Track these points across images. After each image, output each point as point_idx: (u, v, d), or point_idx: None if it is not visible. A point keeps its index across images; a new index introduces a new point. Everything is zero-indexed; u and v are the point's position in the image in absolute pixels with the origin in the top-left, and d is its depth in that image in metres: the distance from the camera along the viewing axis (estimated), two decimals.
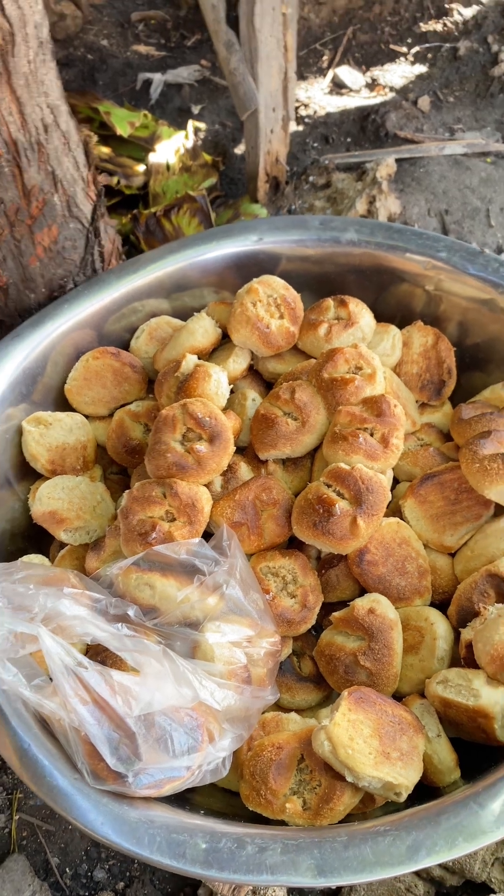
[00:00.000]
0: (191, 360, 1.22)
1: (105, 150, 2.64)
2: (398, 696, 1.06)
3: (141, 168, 2.54)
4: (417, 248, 1.35)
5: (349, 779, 0.90)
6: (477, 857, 1.43)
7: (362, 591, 1.14)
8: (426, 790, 0.97)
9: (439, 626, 1.07)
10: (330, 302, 1.32)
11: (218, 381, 1.19)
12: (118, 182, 2.43)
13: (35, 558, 1.17)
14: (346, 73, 3.03)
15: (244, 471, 1.20)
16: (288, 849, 0.80)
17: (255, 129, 2.26)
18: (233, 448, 1.15)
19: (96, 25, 3.26)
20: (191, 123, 2.69)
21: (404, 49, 3.10)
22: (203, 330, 1.30)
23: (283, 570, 1.13)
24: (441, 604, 1.15)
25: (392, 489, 1.22)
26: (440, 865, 1.45)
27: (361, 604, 1.07)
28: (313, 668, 1.14)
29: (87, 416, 1.36)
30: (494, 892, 1.44)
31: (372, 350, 1.29)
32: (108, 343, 1.40)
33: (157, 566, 1.03)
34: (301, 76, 3.01)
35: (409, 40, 3.12)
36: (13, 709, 0.91)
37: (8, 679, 0.84)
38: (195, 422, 1.12)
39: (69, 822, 0.84)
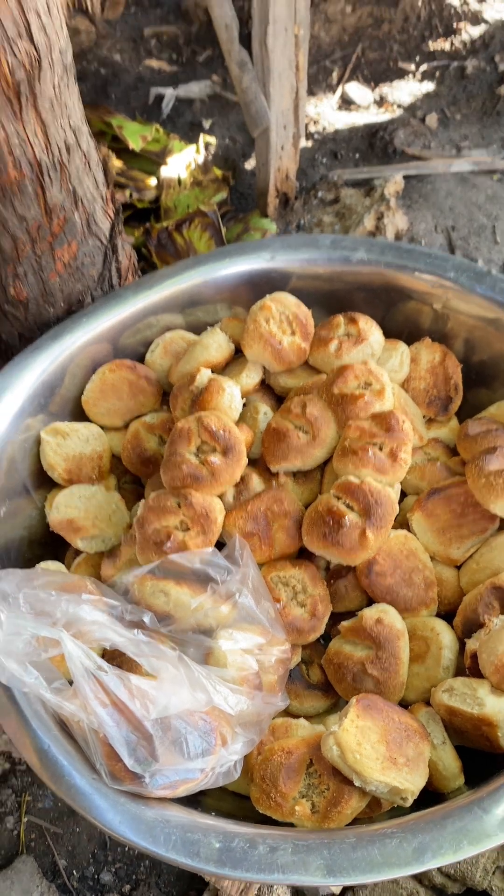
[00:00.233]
0: (205, 374, 1.26)
1: (117, 163, 2.68)
2: (404, 704, 1.09)
3: (153, 182, 2.59)
4: (426, 268, 1.38)
5: (357, 783, 0.93)
6: (478, 866, 1.46)
7: (370, 602, 1.18)
8: (431, 796, 1.00)
9: (445, 636, 1.10)
10: (340, 319, 1.36)
11: (231, 394, 1.23)
12: (130, 195, 2.47)
13: (52, 565, 1.21)
14: (355, 90, 3.08)
15: (256, 482, 1.24)
16: (298, 849, 0.83)
17: (266, 146, 2.30)
18: (245, 460, 1.19)
19: (110, 40, 3.32)
20: (202, 138, 2.73)
21: (412, 67, 3.15)
22: (217, 345, 1.34)
23: (294, 580, 1.16)
24: (447, 615, 1.18)
25: (400, 502, 1.25)
26: (442, 873, 1.48)
27: (369, 614, 1.10)
28: (322, 676, 1.17)
29: (102, 427, 1.40)
30: None
31: (381, 366, 1.33)
32: (124, 356, 1.44)
33: (171, 574, 1.06)
34: (311, 92, 3.06)
35: (418, 58, 3.17)
36: (33, 711, 0.94)
37: (30, 682, 0.88)
38: (210, 434, 1.16)
39: (88, 820, 0.87)
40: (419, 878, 1.49)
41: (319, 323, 1.39)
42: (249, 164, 2.82)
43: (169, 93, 3.09)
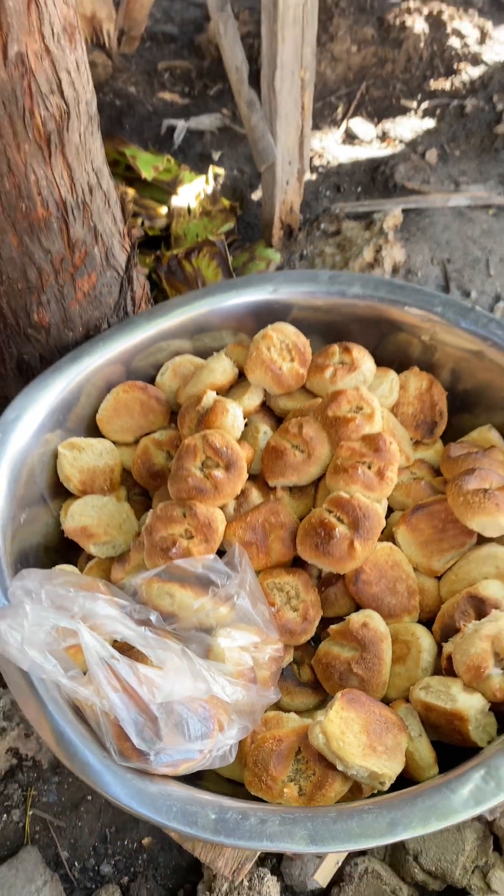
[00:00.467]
0: (210, 396, 1.37)
1: (130, 191, 2.81)
2: (386, 702, 1.19)
3: (163, 210, 2.71)
4: (415, 303, 1.50)
5: (340, 768, 1.03)
6: (458, 864, 1.55)
7: (357, 608, 1.28)
8: (407, 784, 1.10)
9: (424, 640, 1.21)
10: (336, 348, 1.47)
11: (234, 415, 1.34)
12: (142, 223, 2.59)
13: (68, 568, 1.32)
14: (359, 126, 3.22)
15: (255, 496, 1.35)
16: (285, 821, 0.93)
17: (272, 181, 2.43)
18: (246, 475, 1.30)
19: (125, 73, 3.47)
20: (211, 169, 2.86)
21: (414, 104, 3.29)
22: (222, 369, 1.45)
23: (288, 587, 1.27)
24: (427, 621, 1.29)
25: (387, 517, 1.36)
26: (424, 870, 1.56)
27: (356, 618, 1.21)
28: (311, 676, 1.28)
29: (115, 443, 1.51)
30: None
31: (372, 392, 1.44)
32: (137, 378, 1.55)
33: (176, 578, 1.17)
34: (316, 127, 3.20)
35: (419, 96, 3.32)
36: (51, 696, 1.04)
37: (49, 668, 0.98)
38: (214, 451, 1.27)
39: (99, 793, 0.97)
40: (402, 876, 1.57)
41: (317, 351, 1.51)
42: (256, 195, 2.95)
43: (181, 124, 3.22)
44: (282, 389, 1.44)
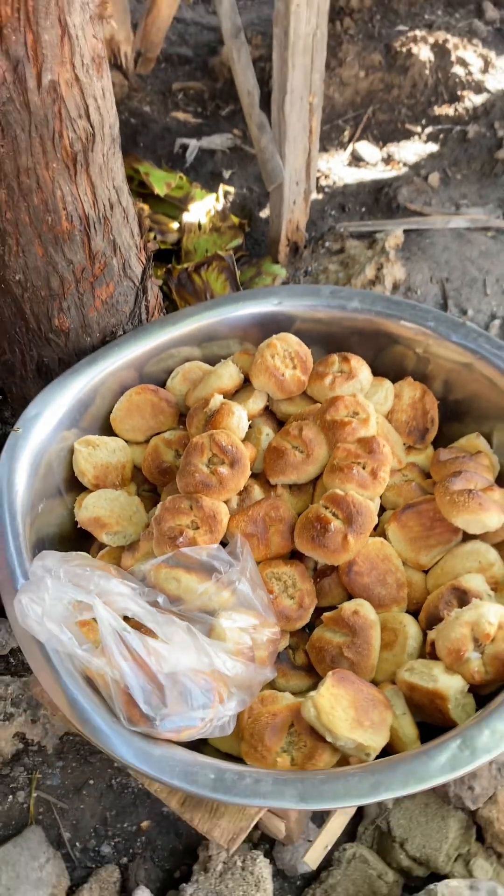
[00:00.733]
0: (218, 399, 1.48)
1: (144, 206, 2.93)
2: (374, 684, 1.28)
3: (175, 226, 2.82)
4: (410, 317, 1.61)
5: (329, 739, 1.12)
6: (441, 851, 1.63)
7: (349, 598, 1.38)
8: None
9: (411, 628, 1.31)
10: (335, 357, 1.58)
11: (239, 417, 1.44)
12: (154, 237, 2.71)
13: (84, 554, 1.41)
14: (365, 148, 3.34)
15: (257, 492, 1.45)
16: (278, 782, 1.02)
17: (279, 200, 2.55)
18: (249, 472, 1.40)
19: (140, 93, 3.60)
20: (221, 187, 2.97)
21: (419, 129, 3.41)
22: (229, 375, 1.56)
23: (285, 576, 1.37)
24: (415, 612, 1.38)
25: (379, 515, 1.46)
26: (409, 856, 1.64)
27: (348, 606, 1.30)
28: (305, 660, 1.37)
29: (127, 441, 1.61)
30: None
31: (368, 399, 1.54)
32: (148, 381, 1.66)
33: (182, 564, 1.27)
34: (324, 149, 3.32)
35: (424, 121, 3.44)
36: (65, 667, 1.14)
37: (65, 640, 1.08)
38: (219, 449, 1.37)
39: (108, 755, 1.06)
40: (388, 861, 1.65)
41: (318, 360, 1.61)
42: (264, 213, 3.06)
43: (193, 143, 3.34)
44: (284, 395, 1.55)
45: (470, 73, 3.47)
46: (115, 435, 1.61)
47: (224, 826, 1.30)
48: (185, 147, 3.34)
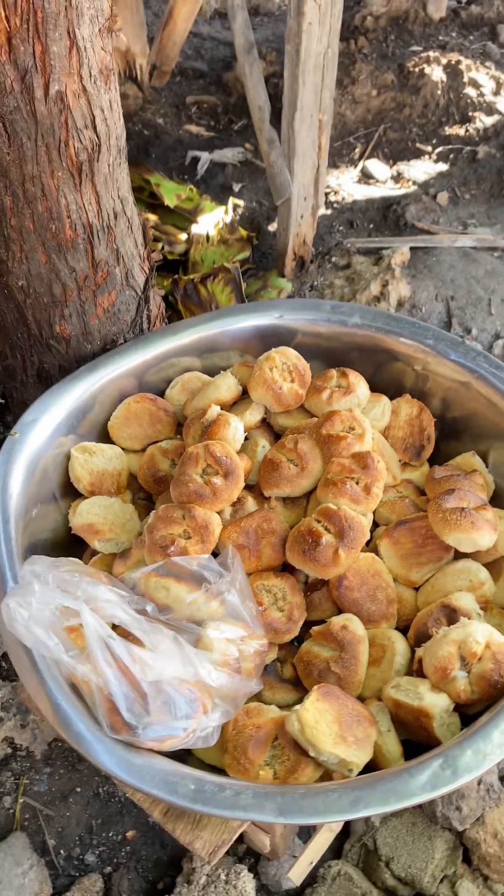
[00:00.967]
0: (214, 410, 1.48)
1: (153, 217, 2.95)
2: (360, 700, 1.28)
3: (183, 237, 2.84)
4: (409, 335, 1.61)
5: (312, 754, 1.12)
6: (427, 872, 1.62)
7: (339, 613, 1.37)
8: None
9: (399, 644, 1.30)
10: (334, 372, 1.58)
11: (235, 428, 1.45)
12: (162, 248, 2.72)
13: (75, 560, 1.42)
14: (375, 166, 3.36)
15: (251, 504, 1.46)
16: (258, 795, 1.02)
17: (287, 214, 2.56)
18: (242, 484, 1.40)
19: (154, 105, 3.63)
20: (231, 200, 3.00)
21: (429, 148, 3.43)
22: (227, 386, 1.56)
23: (276, 589, 1.37)
24: (404, 629, 1.38)
25: (372, 531, 1.46)
26: (394, 876, 1.63)
27: (337, 621, 1.30)
28: (293, 673, 1.37)
29: (124, 449, 1.61)
30: None
31: (365, 415, 1.55)
32: (147, 390, 1.66)
33: (172, 574, 1.27)
34: (334, 165, 3.34)
35: (434, 141, 3.46)
36: (50, 673, 1.14)
37: (51, 646, 1.08)
38: (214, 459, 1.38)
39: (90, 762, 1.06)
40: (373, 880, 1.64)
41: (317, 374, 1.62)
42: (272, 227, 3.08)
43: (204, 156, 3.37)
44: (281, 407, 1.55)
45: (482, 95, 3.50)
46: (112, 442, 1.61)
47: (206, 838, 1.29)
48: (196, 159, 3.37)
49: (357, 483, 1.38)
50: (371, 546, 1.44)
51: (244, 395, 1.62)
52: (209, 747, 1.18)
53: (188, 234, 2.84)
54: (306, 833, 1.65)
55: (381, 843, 1.65)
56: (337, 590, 1.34)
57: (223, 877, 1.59)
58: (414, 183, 3.28)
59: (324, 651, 1.30)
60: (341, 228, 3.08)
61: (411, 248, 2.83)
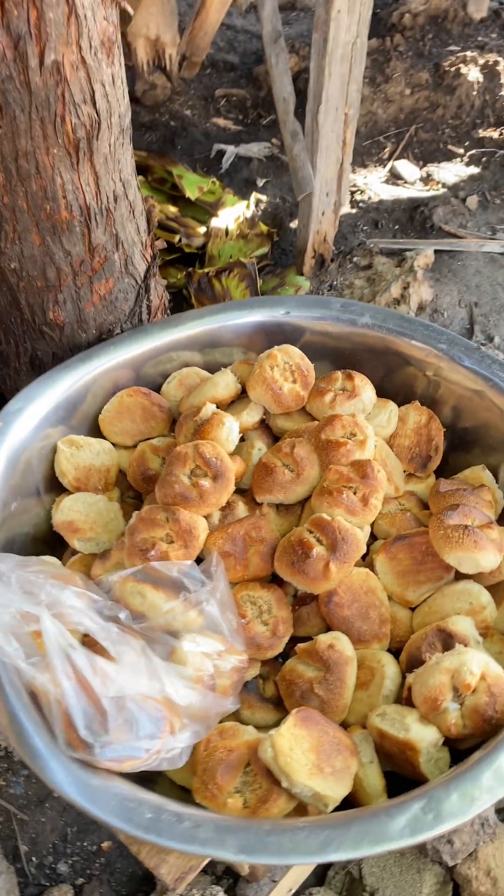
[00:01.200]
0: (209, 408, 1.40)
1: (173, 209, 2.88)
2: (344, 726, 1.19)
3: (202, 230, 2.77)
4: (422, 338, 1.52)
5: (284, 784, 1.03)
6: None
7: (328, 630, 1.28)
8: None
9: (389, 668, 1.21)
10: (339, 374, 1.49)
11: (230, 428, 1.36)
12: (179, 240, 2.66)
13: (49, 559, 1.34)
14: (404, 166, 3.26)
15: (241, 509, 1.37)
16: (219, 829, 0.93)
17: (308, 210, 2.48)
18: (232, 487, 1.32)
19: (183, 97, 3.57)
20: (254, 196, 2.92)
21: (461, 150, 3.33)
22: (225, 384, 1.48)
23: (261, 601, 1.28)
24: (397, 651, 1.28)
25: (370, 544, 1.37)
26: None
27: (323, 639, 1.21)
28: (275, 692, 1.28)
29: (114, 445, 1.54)
30: None
31: (370, 421, 1.46)
32: (144, 384, 1.59)
33: (150, 579, 1.19)
34: (362, 164, 3.25)
35: (467, 143, 3.36)
36: (9, 679, 1.06)
37: (10, 651, 1.01)
38: (203, 461, 1.30)
39: (40, 779, 0.98)
40: None
41: (321, 375, 1.53)
42: (294, 224, 3.00)
43: (230, 150, 3.30)
44: (280, 409, 1.47)
45: None
46: (103, 437, 1.54)
47: (172, 862, 1.21)
48: (221, 152, 3.30)
49: (355, 493, 1.29)
50: (367, 560, 1.35)
51: (243, 395, 1.54)
52: (181, 768, 1.10)
53: (207, 228, 2.77)
54: None
55: (367, 873, 1.56)
56: (326, 606, 1.25)
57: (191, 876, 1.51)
58: (443, 185, 3.18)
59: (308, 671, 1.21)
60: (365, 228, 2.99)
61: (436, 252, 2.73)
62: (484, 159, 3.26)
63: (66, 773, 0.98)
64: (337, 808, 1.04)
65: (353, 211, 3.05)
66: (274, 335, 1.61)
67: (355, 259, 2.71)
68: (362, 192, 3.12)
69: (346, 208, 2.84)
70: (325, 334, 1.61)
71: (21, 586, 1.03)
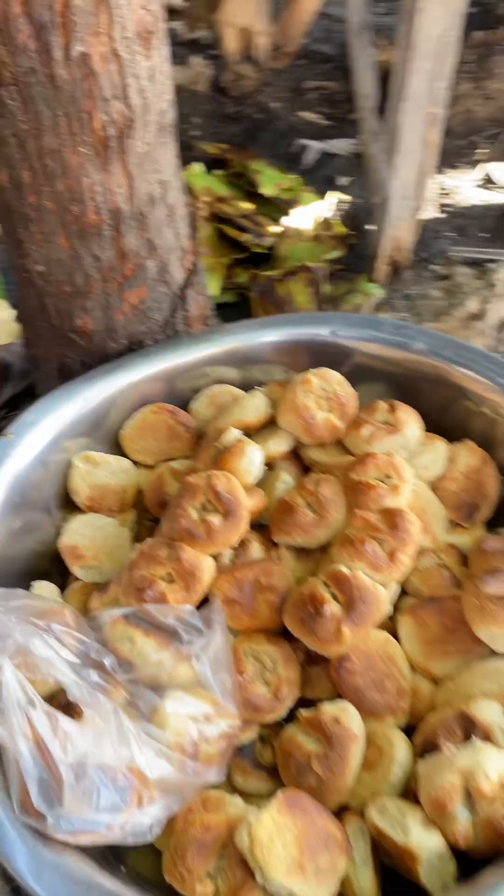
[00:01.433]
0: (233, 434, 1.28)
1: (247, 206, 2.77)
2: (344, 810, 1.06)
3: (274, 229, 2.65)
4: (481, 370, 1.35)
5: (258, 879, 0.91)
6: None
7: (339, 696, 1.15)
8: None
9: (400, 751, 1.05)
10: (382, 405, 1.34)
11: (251, 460, 1.24)
12: (248, 240, 2.54)
13: (45, 588, 1.26)
14: (500, 170, 3.03)
15: (256, 549, 1.24)
16: None
17: (383, 214, 2.32)
18: (246, 526, 1.19)
19: (270, 88, 3.44)
20: (333, 196, 2.77)
21: None
22: (254, 407, 1.35)
23: (265, 657, 1.15)
24: (416, 726, 1.13)
25: (399, 601, 1.22)
26: None
27: (329, 710, 1.07)
28: (273, 759, 1.15)
29: (136, 463, 1.44)
30: None
31: (412, 460, 1.30)
32: (173, 400, 1.47)
33: (143, 623, 1.09)
34: (451, 165, 3.04)
35: None
36: None
37: None
38: (215, 495, 1.18)
39: None
40: None
41: (364, 405, 1.38)
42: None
43: (315, 146, 3.16)
44: (312, 440, 1.33)
45: None
46: (124, 454, 1.44)
47: None
48: (304, 148, 3.16)
49: (381, 545, 1.15)
50: (393, 621, 1.20)
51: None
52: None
53: (281, 227, 2.64)
54: None
55: None
56: (336, 671, 1.11)
57: None
58: None
59: (309, 743, 1.08)
60: (450, 235, 2.79)
61: None
62: None
63: (19, 842, 0.89)
64: None
65: (439, 215, 2.86)
66: (318, 355, 1.47)
67: (434, 268, 2.53)
68: (450, 195, 2.92)
69: (427, 213, 2.65)
70: (375, 357, 1.46)
71: None
